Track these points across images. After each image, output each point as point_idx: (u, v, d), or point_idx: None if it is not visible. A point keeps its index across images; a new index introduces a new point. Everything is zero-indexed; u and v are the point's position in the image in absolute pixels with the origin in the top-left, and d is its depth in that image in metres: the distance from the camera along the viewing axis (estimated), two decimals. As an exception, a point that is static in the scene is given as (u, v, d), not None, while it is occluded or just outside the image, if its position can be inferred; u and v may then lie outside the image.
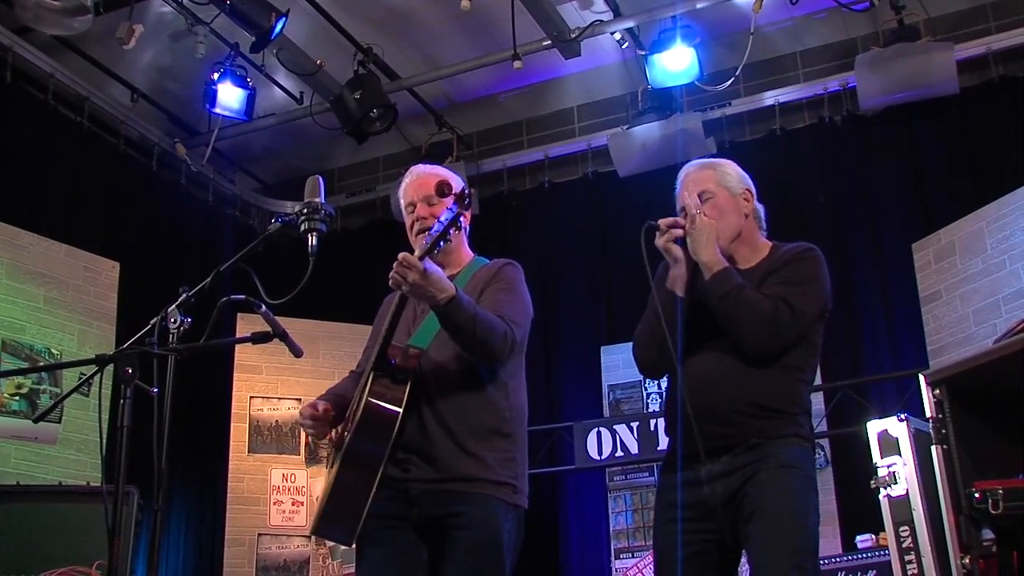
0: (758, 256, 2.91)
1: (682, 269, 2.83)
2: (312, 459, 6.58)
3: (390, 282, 2.64)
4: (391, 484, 2.72)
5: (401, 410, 2.67)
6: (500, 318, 2.78)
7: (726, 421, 2.69)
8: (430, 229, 2.64)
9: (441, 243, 2.61)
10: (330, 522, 2.75)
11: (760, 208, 2.98)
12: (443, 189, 2.71)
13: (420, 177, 3.06)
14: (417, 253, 2.61)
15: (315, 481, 6.48)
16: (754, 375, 2.71)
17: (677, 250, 2.82)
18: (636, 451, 6.35)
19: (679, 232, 2.81)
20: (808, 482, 2.68)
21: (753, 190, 2.98)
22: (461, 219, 2.62)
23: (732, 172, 2.98)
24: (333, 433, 2.95)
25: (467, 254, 3.07)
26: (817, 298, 2.79)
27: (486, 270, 2.98)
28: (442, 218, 2.59)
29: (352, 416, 2.78)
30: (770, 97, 6.86)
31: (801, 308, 2.71)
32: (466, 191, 2.62)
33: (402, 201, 3.10)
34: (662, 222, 2.84)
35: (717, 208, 2.88)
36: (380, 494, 2.68)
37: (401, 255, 2.61)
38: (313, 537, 6.35)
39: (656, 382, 6.60)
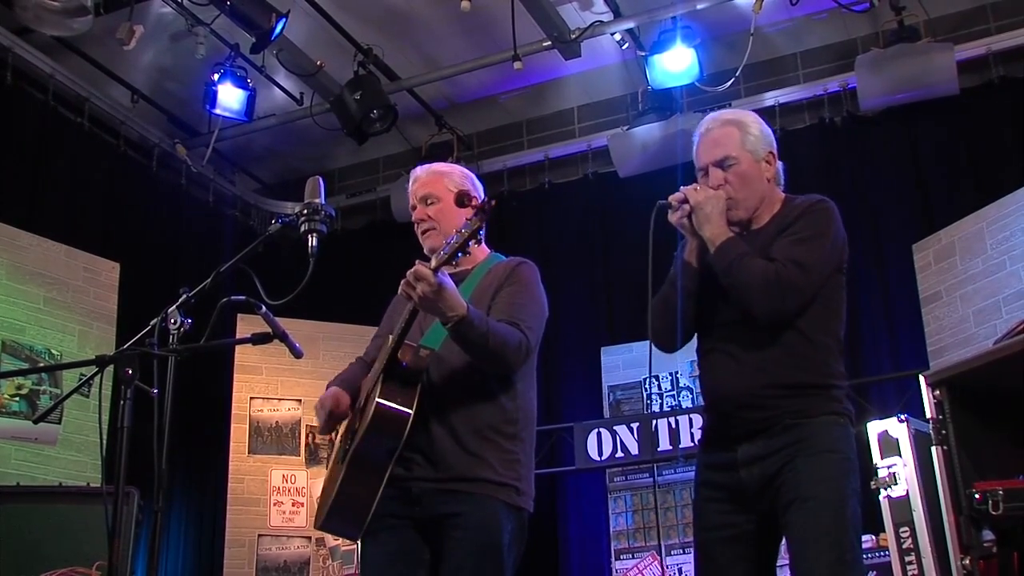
0: (770, 212, 2.82)
1: (696, 243, 2.76)
2: (312, 460, 6.58)
3: (400, 291, 2.63)
4: (394, 483, 2.71)
5: (412, 412, 2.67)
6: (515, 325, 2.77)
7: (758, 405, 2.61)
8: (448, 239, 2.59)
9: (460, 254, 2.58)
10: (337, 519, 2.76)
11: (780, 166, 2.87)
12: (462, 200, 2.67)
13: (419, 179, 3.07)
14: (433, 264, 2.58)
15: (315, 482, 6.48)
16: (780, 351, 2.64)
17: (690, 224, 2.75)
18: (636, 452, 6.35)
19: (688, 208, 2.73)
20: (847, 465, 2.59)
21: (775, 149, 2.84)
22: (481, 231, 2.57)
23: (756, 132, 2.82)
24: (339, 428, 2.95)
25: (483, 251, 3.05)
26: (828, 251, 2.69)
27: (501, 267, 2.97)
28: (462, 229, 2.55)
29: (361, 415, 2.78)
30: (770, 98, 6.86)
31: (811, 263, 2.62)
32: (487, 203, 2.57)
33: (409, 203, 3.11)
34: (672, 198, 2.76)
35: (740, 177, 2.77)
36: (384, 492, 2.68)
37: (415, 268, 2.58)
38: (312, 538, 6.36)
39: (657, 382, 6.60)
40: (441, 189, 3.01)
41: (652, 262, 2.75)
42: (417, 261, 2.66)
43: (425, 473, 2.74)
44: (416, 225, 3.04)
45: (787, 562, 2.60)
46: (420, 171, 3.10)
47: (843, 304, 2.76)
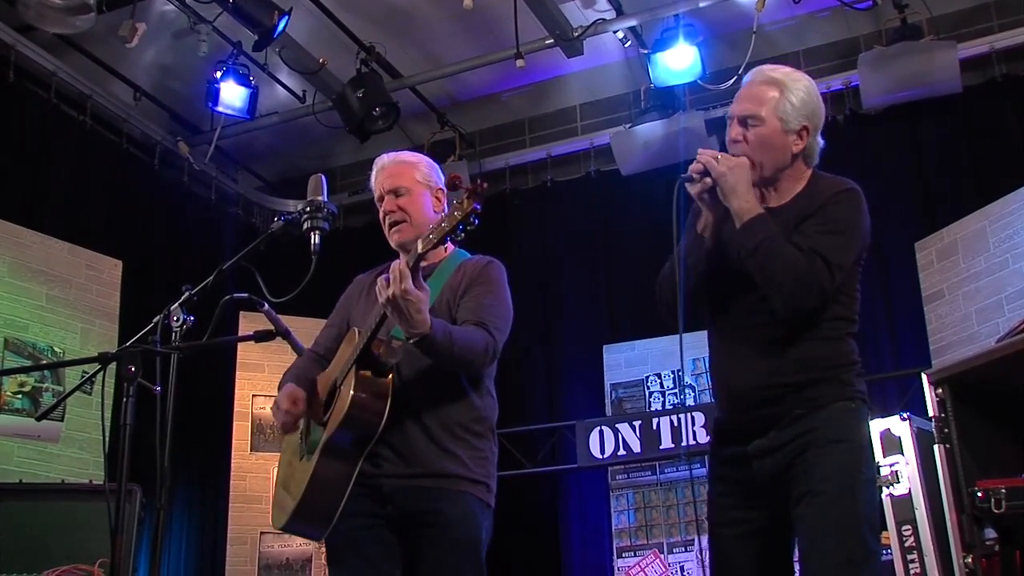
0: (795, 188, 2.65)
1: (712, 217, 2.62)
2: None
3: (377, 288, 2.57)
4: (362, 480, 2.68)
5: (388, 403, 2.64)
6: (483, 325, 2.74)
7: (770, 402, 2.53)
8: (436, 223, 2.52)
9: (448, 238, 2.51)
10: (305, 517, 2.71)
11: (820, 142, 2.66)
12: (454, 183, 2.60)
13: (385, 169, 2.97)
14: (420, 248, 2.52)
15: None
16: (792, 345, 2.53)
17: (710, 198, 2.60)
18: (638, 450, 6.35)
19: (710, 181, 2.56)
20: (859, 454, 2.49)
21: (815, 124, 2.63)
22: (474, 216, 2.46)
23: (797, 100, 2.60)
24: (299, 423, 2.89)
25: (448, 245, 2.94)
26: (855, 246, 2.55)
27: (470, 266, 2.91)
28: (454, 212, 2.47)
29: (327, 409, 2.73)
30: (773, 96, 6.83)
31: (838, 261, 2.48)
32: (479, 185, 2.48)
33: (373, 194, 3.01)
34: (692, 169, 2.58)
35: (759, 139, 2.59)
36: (352, 491, 2.65)
37: (396, 268, 2.52)
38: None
39: (659, 380, 6.60)
40: (410, 180, 2.93)
41: (676, 240, 2.61)
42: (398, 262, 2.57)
43: (395, 469, 2.70)
44: (384, 217, 2.94)
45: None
46: (386, 160, 3.00)
47: (857, 287, 2.64)
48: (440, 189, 2.98)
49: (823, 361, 2.55)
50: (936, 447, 3.65)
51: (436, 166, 3.04)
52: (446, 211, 2.94)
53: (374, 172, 3.01)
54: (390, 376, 2.69)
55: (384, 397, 2.65)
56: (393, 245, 2.95)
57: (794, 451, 2.49)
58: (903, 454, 4.27)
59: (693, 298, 2.64)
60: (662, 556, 6.19)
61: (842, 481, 2.44)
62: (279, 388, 2.92)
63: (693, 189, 2.59)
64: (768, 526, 2.57)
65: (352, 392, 2.62)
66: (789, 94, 2.60)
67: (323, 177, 2.76)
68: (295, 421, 2.82)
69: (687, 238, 2.67)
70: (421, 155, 3.07)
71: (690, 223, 2.72)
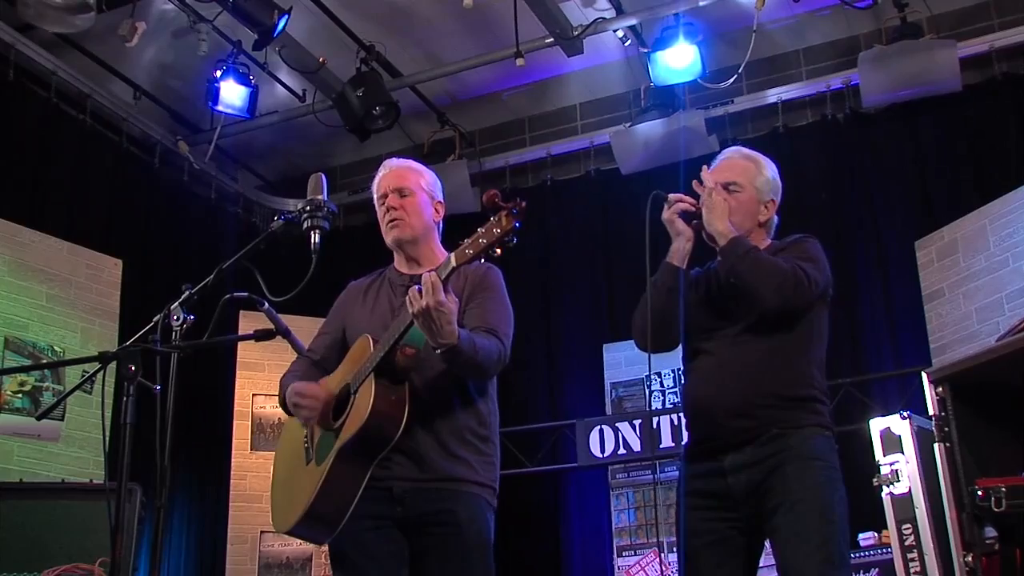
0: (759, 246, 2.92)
1: (682, 242, 2.88)
2: (315, 457, 6.57)
3: (408, 300, 2.55)
4: (371, 483, 2.68)
5: (407, 411, 2.65)
6: (493, 332, 2.77)
7: (748, 415, 2.70)
8: (476, 240, 2.48)
9: (483, 255, 2.47)
10: (312, 522, 2.71)
11: (775, 219, 2.99)
12: (493, 200, 2.51)
13: (394, 170, 3.04)
14: (454, 262, 2.51)
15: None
16: (771, 364, 2.74)
17: (680, 224, 2.88)
18: (639, 449, 6.35)
19: (684, 206, 2.86)
20: (833, 474, 2.69)
21: (778, 201, 2.99)
22: (513, 235, 2.44)
23: (768, 176, 2.97)
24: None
25: (441, 252, 2.98)
26: (822, 275, 2.80)
27: (471, 273, 2.90)
28: (494, 228, 2.44)
29: (343, 414, 2.72)
30: (773, 95, 6.85)
31: (813, 276, 2.73)
32: (519, 204, 2.45)
33: (375, 195, 3.04)
34: (671, 196, 2.89)
35: (738, 203, 2.89)
36: (362, 494, 2.66)
37: (431, 279, 2.51)
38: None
39: (659, 379, 6.60)
40: (415, 184, 3.00)
41: (649, 249, 2.84)
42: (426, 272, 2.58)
43: (407, 472, 2.72)
44: (384, 213, 2.97)
45: (768, 564, 2.65)
46: (393, 163, 3.07)
47: (827, 331, 2.88)
48: (440, 202, 3.05)
49: (801, 389, 2.76)
50: (936, 446, 3.66)
51: (440, 181, 3.10)
52: (442, 224, 3.04)
53: (380, 173, 3.06)
54: (406, 384, 2.70)
55: (402, 405, 2.66)
56: (389, 242, 2.99)
57: (771, 465, 2.66)
58: (903, 453, 4.27)
59: (673, 316, 2.84)
60: (662, 555, 6.19)
61: (820, 494, 2.63)
62: (281, 391, 2.91)
63: (666, 213, 2.89)
64: (738, 533, 2.74)
65: (372, 399, 2.62)
66: (764, 170, 2.96)
67: (323, 176, 2.76)
68: (319, 412, 2.78)
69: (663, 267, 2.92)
70: (426, 167, 3.12)
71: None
